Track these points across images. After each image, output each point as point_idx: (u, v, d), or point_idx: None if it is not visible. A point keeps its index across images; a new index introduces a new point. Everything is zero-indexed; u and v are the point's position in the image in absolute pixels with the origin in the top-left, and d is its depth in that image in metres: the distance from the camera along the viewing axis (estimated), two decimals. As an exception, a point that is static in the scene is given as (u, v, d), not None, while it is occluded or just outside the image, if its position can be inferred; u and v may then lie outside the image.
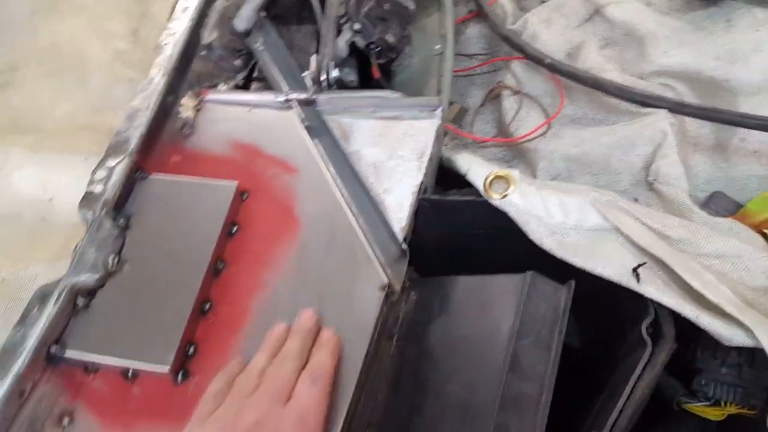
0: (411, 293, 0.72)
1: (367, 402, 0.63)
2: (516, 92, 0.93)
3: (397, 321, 0.70)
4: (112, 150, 0.71)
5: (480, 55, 1.07)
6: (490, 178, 0.68)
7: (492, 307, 0.63)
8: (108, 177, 0.69)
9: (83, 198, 0.68)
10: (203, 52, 0.87)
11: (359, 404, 0.61)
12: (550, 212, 0.67)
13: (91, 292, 0.64)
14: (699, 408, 0.63)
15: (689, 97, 0.83)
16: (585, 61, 0.90)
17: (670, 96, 0.81)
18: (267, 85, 0.89)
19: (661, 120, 0.76)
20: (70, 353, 0.62)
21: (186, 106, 0.80)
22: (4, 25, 0.98)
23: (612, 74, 0.85)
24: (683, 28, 0.85)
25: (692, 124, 0.82)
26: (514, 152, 0.90)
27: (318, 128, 0.80)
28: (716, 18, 0.84)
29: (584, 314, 0.75)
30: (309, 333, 0.60)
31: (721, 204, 0.77)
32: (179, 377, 0.61)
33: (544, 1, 1.09)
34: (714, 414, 0.62)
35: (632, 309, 0.64)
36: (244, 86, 0.92)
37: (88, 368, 0.63)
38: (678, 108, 0.77)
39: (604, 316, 0.72)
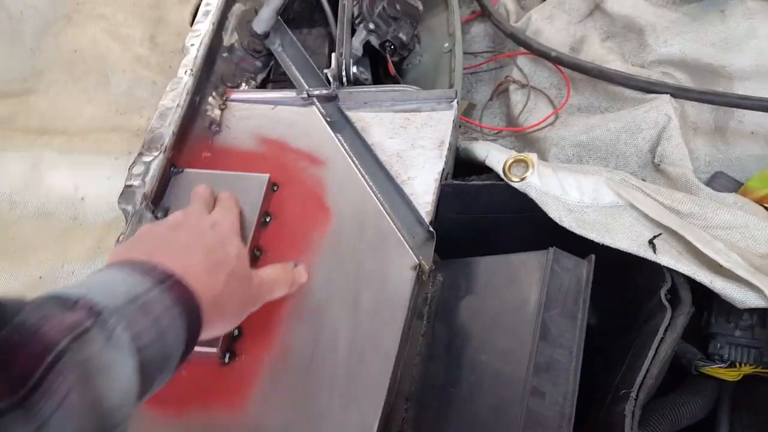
0: (437, 275, 0.75)
1: (404, 377, 0.66)
2: (523, 85, 0.98)
3: (426, 301, 0.73)
4: (147, 146, 0.74)
5: (485, 53, 1.11)
6: (510, 161, 0.72)
7: (518, 283, 0.67)
8: (145, 172, 0.72)
9: (122, 192, 0.71)
10: (225, 54, 0.90)
11: (397, 382, 0.64)
12: (568, 192, 0.71)
13: (136, 280, 0.67)
14: (716, 370, 0.67)
15: (688, 84, 0.88)
16: (588, 53, 0.95)
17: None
18: (284, 86, 0.93)
19: (664, 104, 0.81)
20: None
21: (212, 105, 0.84)
22: (27, 33, 1.01)
23: (615, 64, 0.90)
24: (680, 19, 0.90)
25: (692, 109, 0.87)
26: (524, 142, 0.94)
27: (339, 122, 0.84)
28: (710, 9, 0.89)
29: (599, 291, 0.80)
30: (204, 200, 0.68)
31: (722, 183, 0.82)
32: (226, 358, 0.64)
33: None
34: (730, 375, 0.66)
35: (648, 280, 0.69)
36: (262, 87, 0.96)
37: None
38: (680, 93, 0.82)
39: (619, 290, 0.76)
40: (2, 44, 1.08)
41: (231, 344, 0.65)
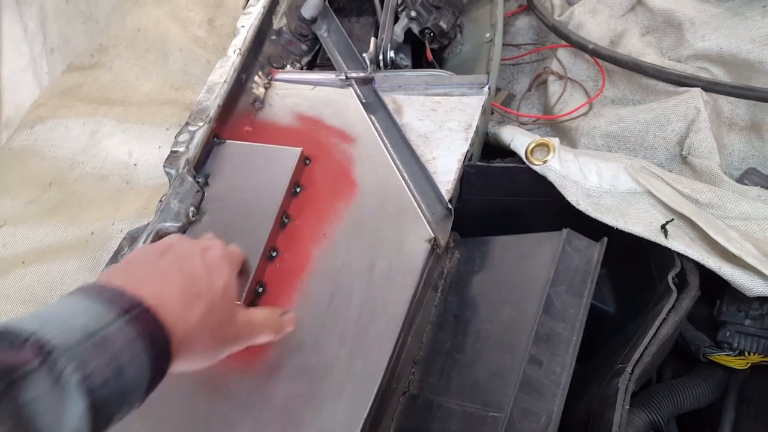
0: (455, 252, 0.78)
1: (413, 342, 0.70)
2: (561, 77, 0.99)
3: (441, 275, 0.76)
4: (194, 117, 0.81)
5: (528, 45, 1.13)
6: (532, 145, 0.75)
7: (530, 259, 0.69)
8: (190, 139, 0.78)
9: (168, 157, 0.77)
10: (273, 37, 0.96)
11: (405, 343, 0.68)
12: (587, 177, 0.73)
13: (174, 237, 0.73)
14: (724, 358, 0.67)
15: (725, 79, 0.88)
16: (626, 47, 0.96)
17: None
18: (326, 70, 0.98)
19: (695, 97, 0.81)
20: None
21: (258, 83, 0.90)
22: (97, 14, 1.10)
23: (651, 58, 0.91)
24: (720, 14, 0.89)
25: (727, 105, 0.87)
26: (557, 131, 0.96)
27: (374, 103, 0.88)
28: (753, 4, 0.88)
29: (620, 279, 0.81)
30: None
31: (753, 180, 0.82)
32: (249, 310, 0.69)
33: (588, -6, 1.15)
34: (738, 363, 0.66)
35: (660, 265, 0.69)
36: (308, 70, 1.01)
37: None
38: (711, 86, 0.82)
39: (635, 276, 0.77)
40: (77, 25, 1.18)
41: (255, 300, 0.70)
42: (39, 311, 0.42)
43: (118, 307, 0.44)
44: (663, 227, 0.67)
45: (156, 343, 0.45)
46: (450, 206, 0.76)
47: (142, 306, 0.46)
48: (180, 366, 0.50)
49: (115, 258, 0.71)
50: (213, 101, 0.82)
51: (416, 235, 0.73)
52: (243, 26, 0.91)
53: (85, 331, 0.41)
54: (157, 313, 0.46)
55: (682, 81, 0.83)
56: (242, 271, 0.66)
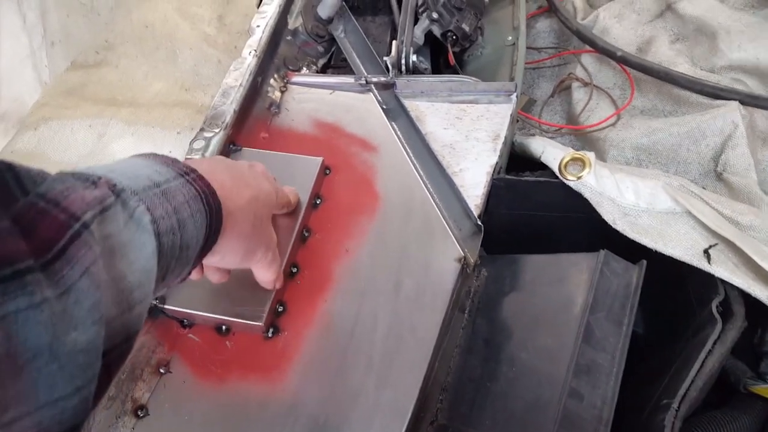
0: (482, 270, 0.75)
1: (441, 367, 0.67)
2: (586, 84, 0.96)
3: (468, 295, 0.73)
4: (209, 122, 0.77)
5: (549, 48, 1.10)
6: (566, 159, 0.71)
7: (565, 283, 0.66)
8: (205, 147, 0.74)
9: (183, 165, 0.73)
10: (288, 37, 0.92)
11: (434, 369, 0.65)
12: (623, 194, 0.69)
13: (190, 251, 0.69)
14: (765, 390, 0.64)
15: (760, 91, 0.85)
16: (655, 54, 0.92)
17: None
18: (344, 72, 0.95)
19: (732, 111, 0.78)
20: (169, 307, 0.67)
21: (273, 86, 0.86)
22: (98, 6, 1.06)
23: (682, 67, 0.87)
24: (757, 24, 0.86)
25: (763, 120, 0.84)
26: (583, 141, 0.93)
27: (395, 110, 0.84)
28: (792, 14, 0.85)
29: (649, 300, 0.78)
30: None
31: (790, 197, 0.79)
32: (270, 332, 0.66)
33: (613, -2, 1.12)
34: (780, 396, 0.64)
35: (700, 290, 0.66)
36: (322, 72, 0.97)
37: (185, 323, 0.68)
38: (750, 100, 0.79)
39: (669, 300, 0.74)
40: (78, 17, 1.13)
41: (275, 319, 0.67)
42: (101, 165, 0.43)
43: (176, 169, 0.46)
44: (706, 252, 0.64)
45: (211, 206, 0.47)
46: (479, 222, 0.72)
47: (197, 171, 0.48)
48: (222, 248, 0.51)
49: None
50: (229, 106, 0.78)
51: (445, 253, 0.69)
52: (258, 26, 0.87)
53: (151, 180, 0.43)
54: (212, 182, 0.48)
55: (717, 93, 0.80)
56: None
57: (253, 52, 0.84)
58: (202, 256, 0.48)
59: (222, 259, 0.55)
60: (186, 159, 0.58)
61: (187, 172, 0.47)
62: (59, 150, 0.86)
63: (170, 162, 0.47)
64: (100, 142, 0.88)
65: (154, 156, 0.47)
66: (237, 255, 0.56)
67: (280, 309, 0.67)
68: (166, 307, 0.67)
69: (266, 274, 0.62)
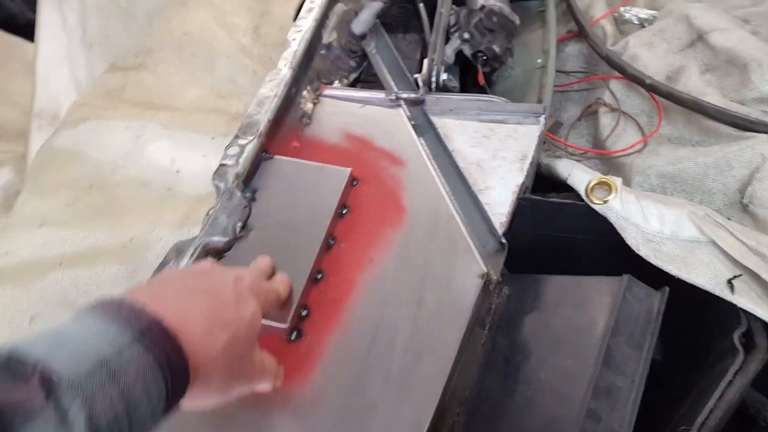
0: (504, 288, 0.76)
1: (459, 381, 0.67)
2: (614, 109, 0.97)
3: (489, 312, 0.74)
4: (243, 130, 0.79)
5: (577, 72, 1.11)
6: (593, 183, 0.72)
7: (587, 305, 0.67)
8: (239, 153, 0.76)
9: (217, 170, 0.75)
10: (323, 51, 0.94)
11: (452, 384, 0.65)
12: (648, 221, 0.70)
13: (219, 253, 0.71)
14: (784, 423, 0.64)
15: (791, 125, 0.85)
16: (685, 84, 0.93)
17: (772, 122, 0.83)
18: (373, 87, 0.96)
19: (761, 144, 0.78)
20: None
21: (306, 98, 0.88)
22: (136, 11, 1.09)
23: (712, 98, 0.88)
24: (789, 58, 0.86)
25: (791, 153, 0.84)
26: (608, 166, 0.93)
27: (424, 126, 0.86)
28: (825, 49, 0.85)
29: (670, 327, 0.78)
30: (261, 271, 0.64)
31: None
32: (293, 335, 0.67)
33: (643, 25, 1.13)
34: (800, 430, 0.63)
35: (722, 320, 0.67)
36: (353, 86, 0.99)
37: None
38: (780, 134, 0.79)
39: (689, 328, 0.74)
40: (117, 21, 1.16)
41: (299, 323, 0.68)
42: (51, 330, 0.40)
43: (135, 329, 0.41)
44: (729, 282, 0.64)
45: (174, 368, 0.42)
46: (503, 240, 0.73)
47: (160, 325, 0.43)
48: (191, 400, 0.46)
49: (160, 270, 0.69)
50: (263, 115, 0.80)
51: (467, 270, 0.70)
52: (294, 39, 0.90)
53: (98, 358, 0.38)
54: (178, 336, 0.43)
55: (747, 125, 0.81)
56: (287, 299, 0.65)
57: (288, 64, 0.86)
58: (166, 416, 0.43)
59: (196, 406, 0.50)
60: (168, 270, 0.53)
61: (149, 329, 0.42)
62: (97, 149, 0.89)
63: (132, 317, 0.42)
64: (137, 144, 0.90)
65: (118, 307, 0.43)
66: (213, 400, 0.52)
67: (304, 313, 0.69)
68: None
69: (263, 387, 0.59)
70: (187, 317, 0.46)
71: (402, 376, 0.63)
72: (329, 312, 0.69)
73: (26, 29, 1.34)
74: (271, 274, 0.66)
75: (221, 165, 0.75)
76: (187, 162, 0.89)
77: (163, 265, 0.68)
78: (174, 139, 0.90)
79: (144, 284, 0.52)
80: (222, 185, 0.74)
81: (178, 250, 0.69)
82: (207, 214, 0.72)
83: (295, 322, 0.67)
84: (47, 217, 0.84)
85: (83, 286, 0.79)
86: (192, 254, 0.68)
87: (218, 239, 0.71)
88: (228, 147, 0.77)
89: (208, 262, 0.58)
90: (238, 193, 0.74)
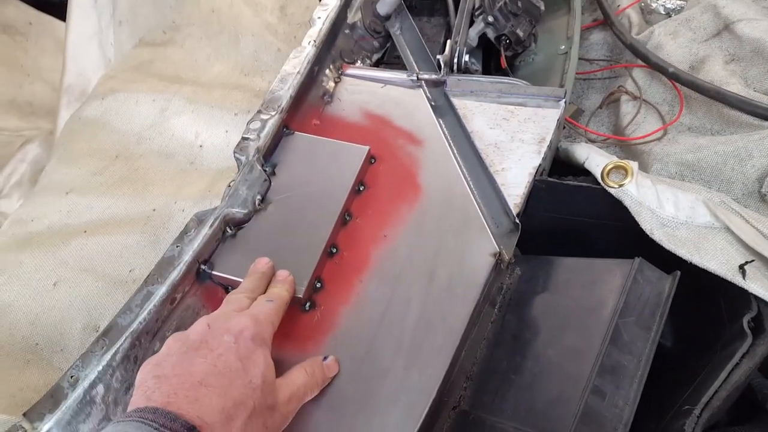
0: (516, 268, 0.77)
1: (467, 356, 0.69)
2: (635, 97, 0.97)
3: (500, 291, 0.75)
4: (266, 105, 0.80)
5: (601, 60, 1.10)
6: (609, 167, 0.72)
7: (598, 286, 0.67)
8: (261, 128, 0.78)
9: (239, 143, 0.77)
10: (347, 31, 0.95)
11: (460, 356, 0.67)
12: (663, 205, 0.70)
13: (238, 224, 0.73)
14: (791, 410, 0.64)
15: (814, 117, 0.84)
16: (708, 73, 0.92)
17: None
18: (395, 68, 0.97)
19: (782, 134, 0.78)
20: (217, 273, 0.70)
21: (328, 77, 0.89)
22: (169, -11, 1.11)
23: (735, 88, 0.87)
24: (816, 49, 0.85)
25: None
26: (627, 153, 0.93)
27: (443, 107, 0.87)
28: None
29: (679, 311, 0.78)
30: (262, 275, 0.67)
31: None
32: (307, 306, 0.69)
33: (669, 15, 1.12)
34: (807, 417, 0.63)
35: (732, 305, 0.67)
36: (375, 67, 1.00)
37: (229, 289, 0.71)
38: (802, 124, 0.78)
39: (699, 312, 0.74)
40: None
41: (313, 294, 0.70)
42: None
43: None
44: (741, 267, 0.64)
45: None
46: (517, 220, 0.74)
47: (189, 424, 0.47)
48: None
49: (181, 238, 0.70)
50: (286, 91, 0.82)
51: (480, 248, 0.71)
52: (319, 17, 0.91)
53: None
54: (203, 427, 0.48)
55: (768, 115, 0.80)
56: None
57: (313, 42, 0.87)
58: None
59: None
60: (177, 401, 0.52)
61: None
62: (123, 120, 0.91)
63: (166, 424, 0.47)
64: (162, 116, 0.93)
65: (153, 416, 0.47)
66: None
67: (318, 285, 0.70)
68: (214, 273, 0.70)
69: (314, 394, 0.62)
70: (203, 413, 0.49)
71: (412, 345, 0.65)
72: (343, 285, 0.71)
73: (59, 8, 1.38)
74: (272, 275, 0.68)
75: (243, 138, 0.77)
76: (210, 136, 0.91)
77: (183, 234, 0.69)
78: (198, 114, 0.92)
79: (157, 362, 0.55)
80: (243, 158, 0.76)
81: (199, 221, 0.71)
82: (228, 185, 0.74)
83: (309, 294, 0.69)
84: (74, 185, 0.86)
85: (107, 253, 0.81)
86: (212, 224, 0.70)
87: (238, 210, 0.72)
88: (250, 121, 0.78)
89: (203, 323, 0.58)
90: (259, 167, 0.75)
